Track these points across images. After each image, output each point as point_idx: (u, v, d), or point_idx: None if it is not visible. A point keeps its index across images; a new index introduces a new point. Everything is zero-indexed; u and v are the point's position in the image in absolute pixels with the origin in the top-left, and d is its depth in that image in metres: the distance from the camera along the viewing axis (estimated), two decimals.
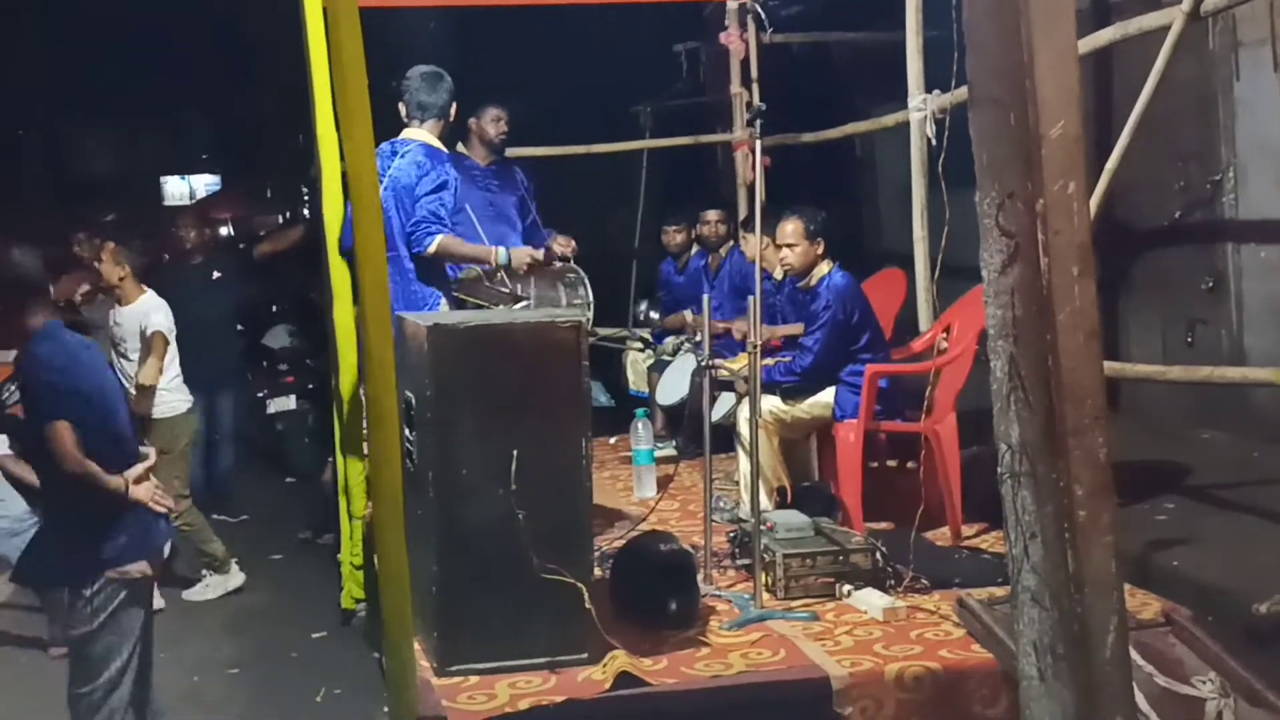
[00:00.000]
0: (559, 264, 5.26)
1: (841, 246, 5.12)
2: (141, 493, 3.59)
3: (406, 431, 3.59)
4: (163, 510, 3.68)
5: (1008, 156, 2.39)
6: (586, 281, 5.22)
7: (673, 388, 6.27)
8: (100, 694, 3.55)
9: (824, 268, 4.97)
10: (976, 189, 2.48)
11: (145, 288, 6.10)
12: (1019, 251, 2.38)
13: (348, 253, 4.79)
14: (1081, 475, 2.34)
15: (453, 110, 5.01)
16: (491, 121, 5.97)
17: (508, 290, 4.98)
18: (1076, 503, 2.34)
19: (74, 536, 3.57)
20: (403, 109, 4.97)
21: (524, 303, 4.95)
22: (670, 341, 6.42)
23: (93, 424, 3.53)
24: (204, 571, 6.13)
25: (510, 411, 3.49)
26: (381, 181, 4.77)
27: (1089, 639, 2.35)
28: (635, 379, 6.88)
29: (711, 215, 6.68)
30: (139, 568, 3.57)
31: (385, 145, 4.87)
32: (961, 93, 2.66)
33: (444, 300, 4.87)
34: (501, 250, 4.98)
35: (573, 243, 5.41)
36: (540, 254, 5.06)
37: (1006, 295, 2.42)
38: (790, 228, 4.95)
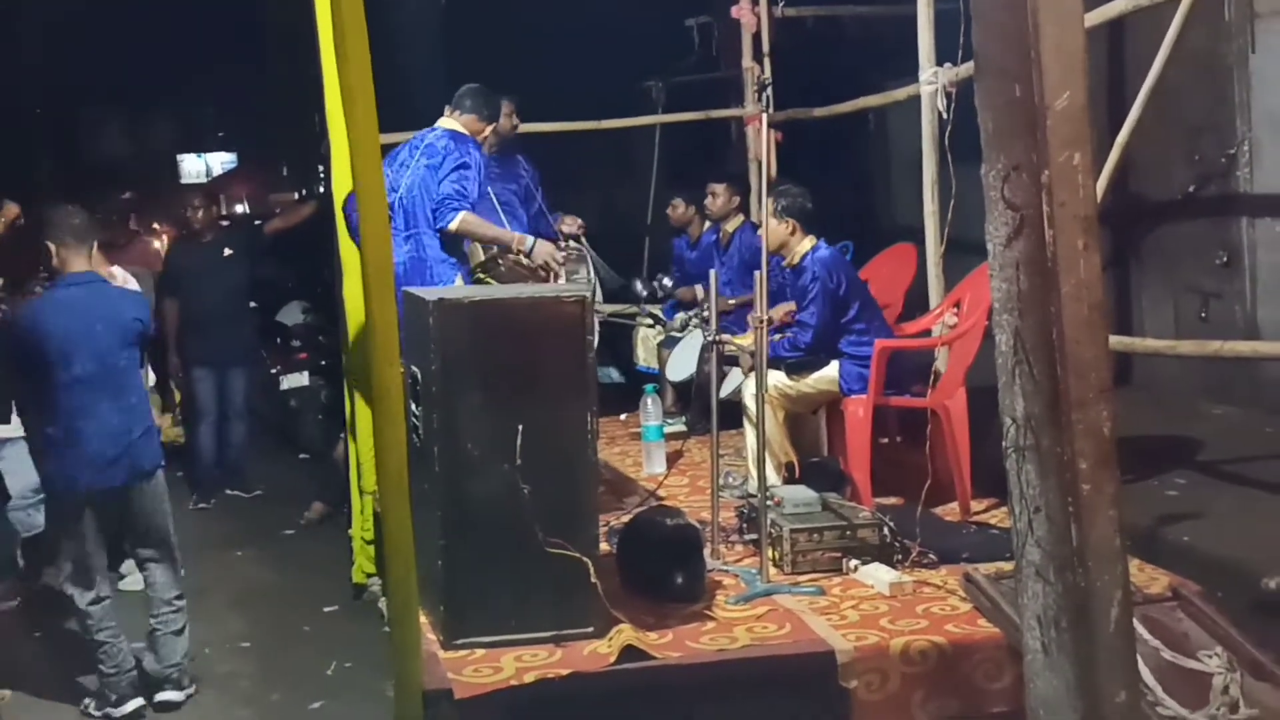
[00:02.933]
0: (563, 243, 5.25)
1: (853, 221, 5.11)
2: None
3: (412, 406, 3.60)
4: None
5: (1013, 127, 2.37)
6: (589, 259, 5.22)
7: (682, 364, 6.26)
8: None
9: (805, 245, 4.97)
10: (982, 162, 2.46)
11: None
12: (1024, 224, 2.36)
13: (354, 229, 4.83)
14: (1085, 449, 2.33)
15: (489, 115, 5.17)
16: (504, 115, 5.96)
17: (528, 268, 4.98)
18: (1080, 476, 2.33)
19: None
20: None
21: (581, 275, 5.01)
22: (680, 317, 6.40)
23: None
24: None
25: (515, 386, 3.50)
26: (408, 165, 4.98)
27: (1092, 612, 2.34)
28: (645, 355, 6.87)
29: (714, 188, 6.63)
30: None
31: (417, 135, 5.08)
32: (971, 66, 2.64)
33: (459, 277, 4.89)
34: (529, 238, 5.04)
35: (579, 221, 5.42)
36: (561, 256, 5.09)
37: (1012, 268, 2.40)
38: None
